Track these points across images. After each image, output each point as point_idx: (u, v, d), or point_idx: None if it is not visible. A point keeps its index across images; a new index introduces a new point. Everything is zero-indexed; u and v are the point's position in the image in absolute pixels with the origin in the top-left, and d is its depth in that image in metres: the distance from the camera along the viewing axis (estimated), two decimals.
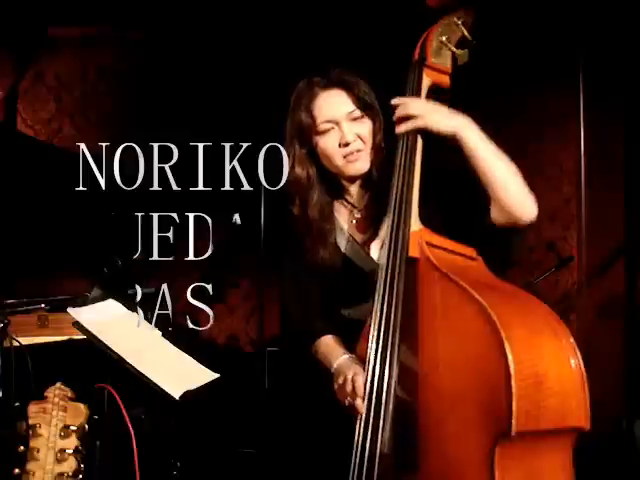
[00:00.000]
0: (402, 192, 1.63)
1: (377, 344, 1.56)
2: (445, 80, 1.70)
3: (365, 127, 1.81)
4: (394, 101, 1.67)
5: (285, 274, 1.97)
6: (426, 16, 1.73)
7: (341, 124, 1.79)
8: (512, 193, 1.64)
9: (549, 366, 1.37)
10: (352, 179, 1.87)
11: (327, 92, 1.82)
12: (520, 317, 1.41)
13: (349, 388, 1.59)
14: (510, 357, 1.32)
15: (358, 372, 1.60)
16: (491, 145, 1.65)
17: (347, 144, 1.78)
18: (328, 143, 1.81)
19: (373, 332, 1.58)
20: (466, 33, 1.68)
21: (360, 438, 1.55)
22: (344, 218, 1.91)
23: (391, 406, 1.52)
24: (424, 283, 1.53)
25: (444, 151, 1.71)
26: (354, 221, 1.90)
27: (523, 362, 1.33)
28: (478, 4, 1.70)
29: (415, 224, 1.60)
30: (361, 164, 1.81)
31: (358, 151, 1.80)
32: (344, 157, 1.80)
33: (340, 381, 1.63)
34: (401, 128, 1.64)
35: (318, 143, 1.83)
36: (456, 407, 1.42)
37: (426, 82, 1.69)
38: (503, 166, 1.65)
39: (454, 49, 1.69)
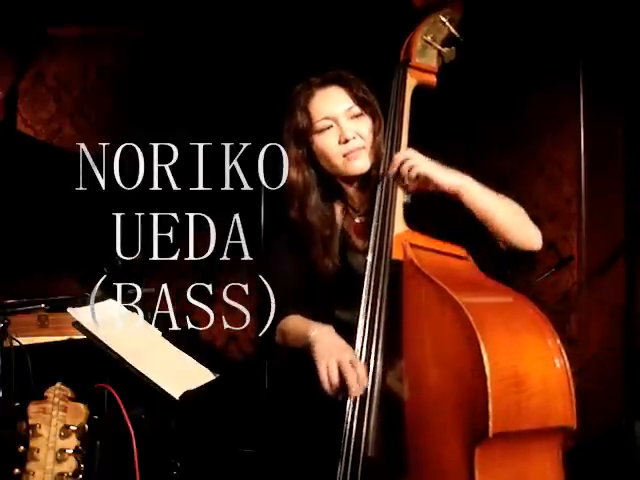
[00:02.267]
0: (386, 195, 1.63)
1: (362, 345, 1.55)
2: (431, 79, 1.70)
3: (364, 125, 1.76)
4: (396, 162, 1.63)
5: (270, 257, 1.93)
6: (415, 16, 1.72)
7: (340, 121, 1.74)
8: (515, 234, 1.66)
9: (531, 366, 1.35)
10: (351, 180, 1.81)
11: (324, 90, 1.77)
12: (502, 318, 1.40)
13: (351, 376, 1.51)
14: (486, 358, 1.31)
15: (354, 358, 1.53)
16: (491, 196, 1.65)
17: (347, 140, 1.72)
18: (327, 141, 1.75)
19: (360, 335, 1.56)
20: (453, 30, 1.67)
21: (345, 440, 1.53)
22: (344, 222, 1.86)
23: (375, 407, 1.51)
24: (408, 285, 1.53)
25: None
26: (354, 225, 1.85)
27: (500, 363, 1.32)
28: (483, 15, 1.68)
29: (399, 226, 1.60)
30: (362, 162, 1.75)
31: (358, 149, 1.74)
32: (344, 155, 1.74)
33: (332, 366, 1.52)
34: (411, 187, 1.62)
35: (316, 143, 1.77)
36: (438, 409, 1.41)
37: (411, 83, 1.69)
38: (504, 213, 1.65)
39: (440, 48, 1.68)
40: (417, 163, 1.61)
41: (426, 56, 1.68)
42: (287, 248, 1.86)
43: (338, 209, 1.86)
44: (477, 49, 1.75)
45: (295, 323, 1.77)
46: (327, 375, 1.52)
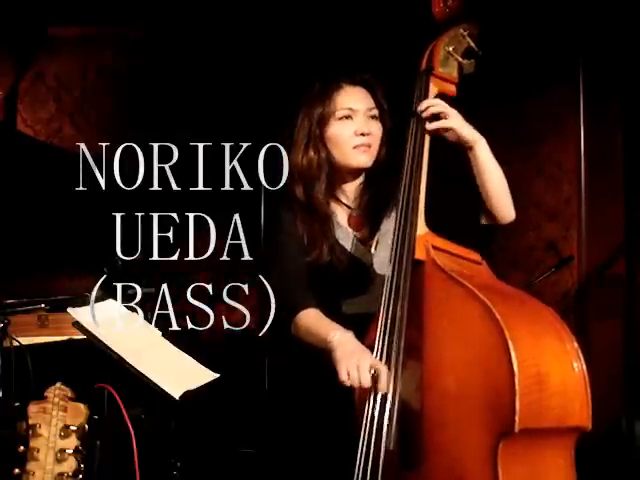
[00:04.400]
0: (409, 196, 1.67)
1: (383, 343, 1.58)
2: (452, 89, 1.77)
3: (378, 128, 1.90)
4: (426, 103, 1.72)
5: (272, 243, 1.99)
6: (431, 27, 1.78)
7: (359, 116, 1.88)
8: (502, 201, 1.78)
9: (551, 367, 1.39)
10: (352, 173, 1.93)
11: (352, 87, 1.92)
12: (524, 319, 1.44)
13: (364, 377, 1.56)
14: (514, 356, 1.35)
15: (377, 364, 1.57)
16: (494, 158, 1.76)
17: (362, 134, 1.86)
18: (342, 129, 1.88)
19: (379, 332, 1.60)
20: (472, 44, 1.75)
21: (366, 435, 1.56)
22: (340, 215, 1.96)
23: (397, 405, 1.54)
24: (430, 285, 1.56)
25: (446, 161, 1.78)
26: (351, 218, 1.96)
27: (526, 361, 1.36)
28: (482, 16, 1.74)
29: (421, 227, 1.64)
30: (367, 158, 1.88)
31: (367, 145, 1.87)
32: (354, 147, 1.87)
33: (352, 366, 1.57)
34: (433, 125, 1.71)
35: (332, 129, 1.89)
36: (461, 405, 1.44)
37: (433, 90, 1.75)
38: (500, 179, 1.76)
39: (460, 59, 1.75)
40: (448, 108, 1.72)
41: (448, 66, 1.76)
42: (291, 230, 1.92)
43: (332, 203, 1.96)
44: (477, 49, 1.76)
45: (315, 323, 1.79)
46: (347, 376, 1.57)
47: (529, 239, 3.74)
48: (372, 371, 1.56)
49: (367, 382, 1.55)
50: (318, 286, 1.88)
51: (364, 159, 1.88)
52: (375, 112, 1.90)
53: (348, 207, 1.96)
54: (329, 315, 1.82)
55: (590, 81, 3.65)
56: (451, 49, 1.75)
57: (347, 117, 1.88)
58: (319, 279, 1.88)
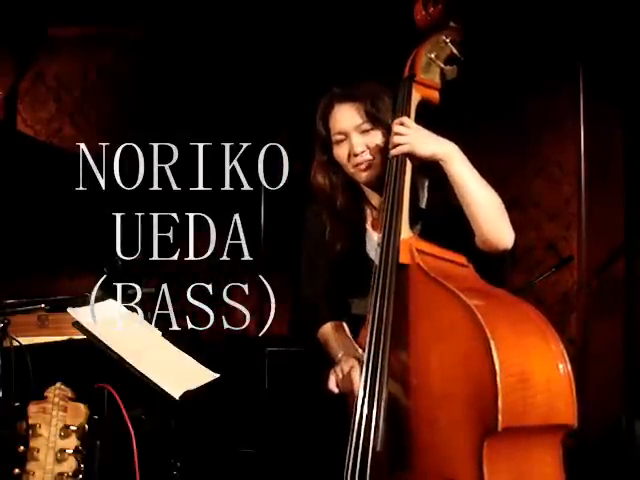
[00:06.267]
0: (393, 201, 1.69)
1: (371, 345, 1.60)
2: (434, 95, 1.77)
3: (375, 139, 1.87)
4: (393, 129, 1.74)
5: (302, 255, 2.06)
6: (416, 34, 1.79)
7: (351, 136, 1.87)
8: (489, 220, 1.72)
9: (535, 366, 1.40)
10: (366, 184, 1.94)
11: (341, 106, 1.90)
12: (508, 319, 1.45)
13: (345, 380, 1.69)
14: (495, 355, 1.36)
15: (355, 366, 1.70)
16: (474, 174, 1.72)
17: (355, 155, 1.87)
18: (340, 153, 1.90)
19: (368, 335, 1.62)
20: (454, 50, 1.74)
21: (354, 436, 1.57)
22: (369, 217, 2.00)
23: (383, 407, 1.55)
24: (415, 287, 1.58)
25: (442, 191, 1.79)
26: (374, 221, 1.98)
27: (509, 360, 1.37)
28: (483, 17, 1.74)
29: (405, 232, 1.65)
30: (369, 173, 1.88)
31: (365, 161, 1.87)
32: (353, 166, 1.88)
33: (338, 371, 1.74)
34: (392, 152, 1.73)
35: (334, 152, 1.92)
36: (445, 405, 1.45)
37: (416, 97, 1.76)
38: (483, 194, 1.72)
39: (442, 65, 1.75)
40: (399, 137, 1.72)
41: (430, 73, 1.76)
42: (319, 239, 1.99)
43: (365, 206, 2.00)
44: (478, 50, 1.76)
45: (331, 341, 1.95)
46: (334, 379, 1.74)
47: (529, 239, 3.74)
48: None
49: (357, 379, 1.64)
50: (330, 277, 1.97)
51: (365, 176, 1.89)
52: (366, 126, 1.86)
53: (375, 209, 1.98)
54: (341, 315, 1.95)
55: (590, 81, 3.65)
56: (433, 56, 1.75)
57: (341, 140, 1.89)
58: (335, 273, 1.96)
